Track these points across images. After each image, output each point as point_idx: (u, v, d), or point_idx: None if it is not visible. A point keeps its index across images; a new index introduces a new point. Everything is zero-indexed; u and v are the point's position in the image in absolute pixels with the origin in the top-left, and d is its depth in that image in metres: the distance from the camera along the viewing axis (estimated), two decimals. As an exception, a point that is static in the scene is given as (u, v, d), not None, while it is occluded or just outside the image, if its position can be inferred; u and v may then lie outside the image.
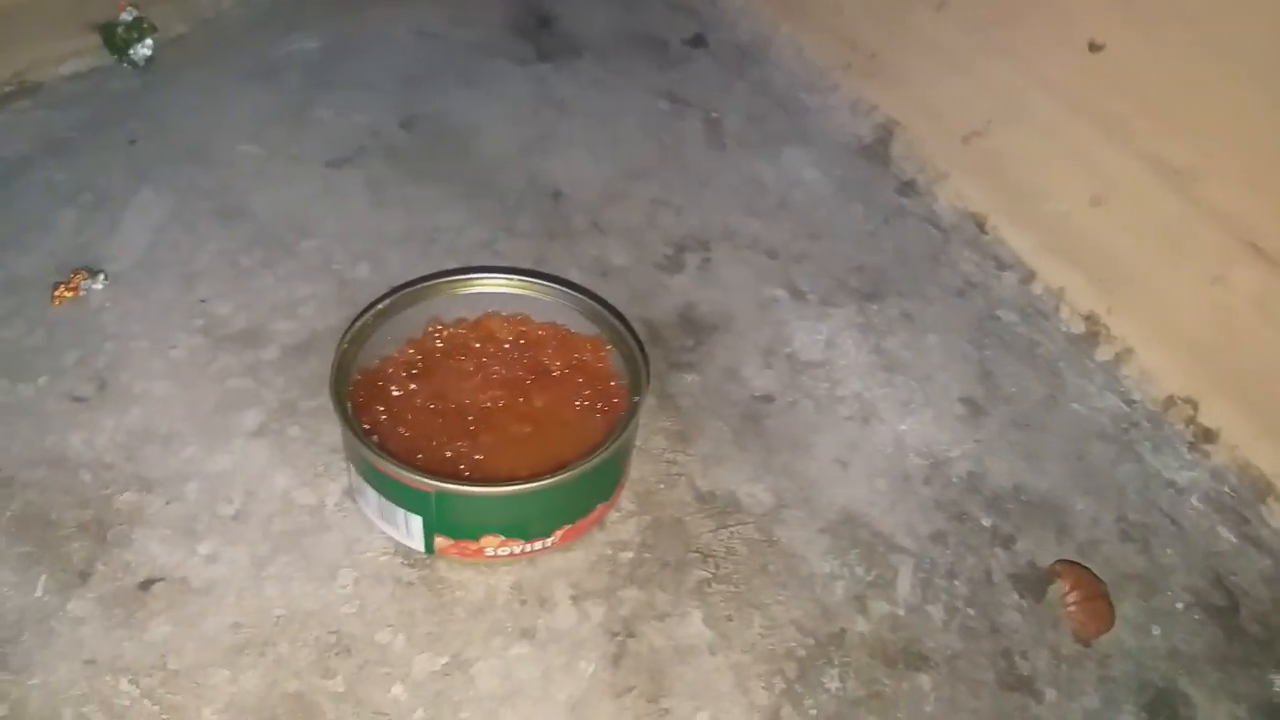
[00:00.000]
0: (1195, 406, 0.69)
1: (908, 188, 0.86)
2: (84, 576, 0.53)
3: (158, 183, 0.77)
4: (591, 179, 0.83)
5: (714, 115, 0.92)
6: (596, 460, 0.54)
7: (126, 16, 0.87)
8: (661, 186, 0.83)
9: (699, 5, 1.05)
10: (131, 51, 0.87)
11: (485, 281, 0.63)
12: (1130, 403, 0.71)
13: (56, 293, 0.67)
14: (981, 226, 0.82)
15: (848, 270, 0.78)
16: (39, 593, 0.52)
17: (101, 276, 0.68)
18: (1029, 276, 0.79)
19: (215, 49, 0.91)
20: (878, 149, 0.89)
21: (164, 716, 0.49)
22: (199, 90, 0.86)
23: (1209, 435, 0.68)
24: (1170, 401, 0.70)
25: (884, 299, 0.76)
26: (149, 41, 0.88)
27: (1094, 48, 0.73)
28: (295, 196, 0.77)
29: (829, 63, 0.95)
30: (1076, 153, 0.77)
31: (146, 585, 0.53)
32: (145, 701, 0.49)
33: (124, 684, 0.49)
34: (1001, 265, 0.80)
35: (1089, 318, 0.75)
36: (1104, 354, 0.74)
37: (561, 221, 0.79)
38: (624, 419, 0.57)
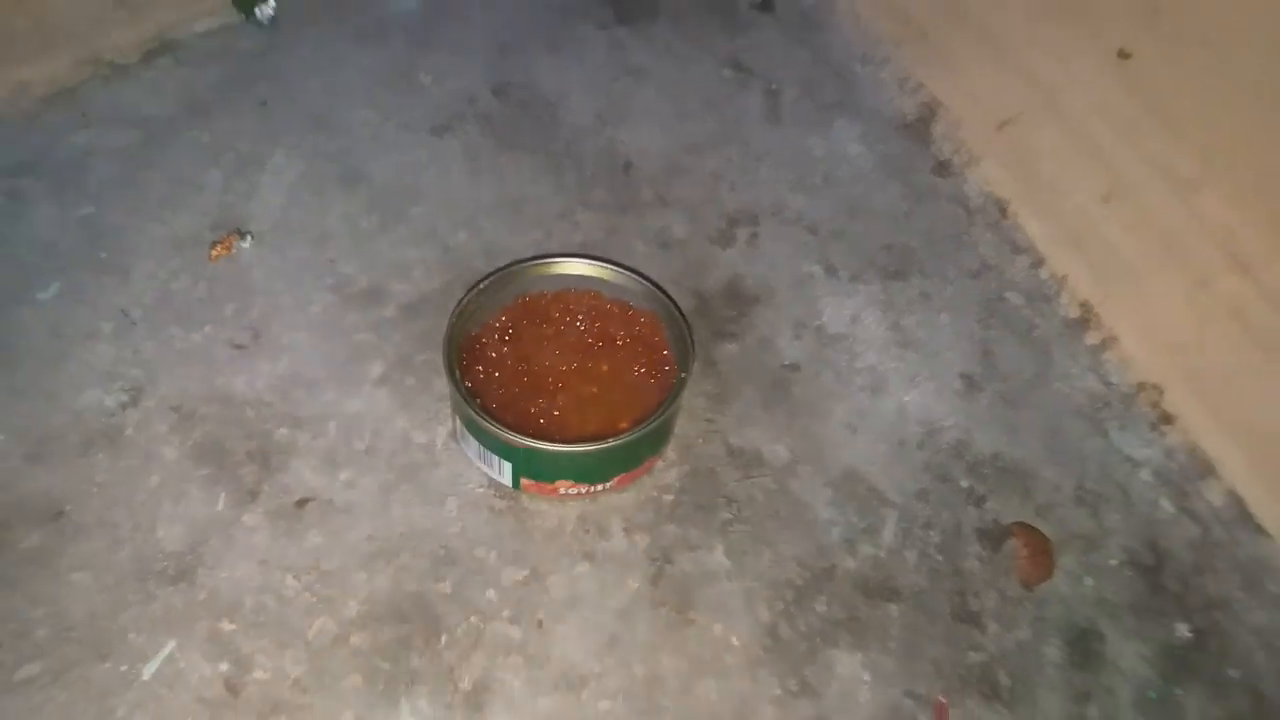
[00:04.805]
0: (1161, 393, 0.81)
1: (943, 168, 0.96)
2: (254, 495, 0.70)
3: (288, 147, 0.90)
4: (659, 151, 0.95)
5: (774, 86, 1.01)
6: (648, 428, 0.68)
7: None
8: (721, 161, 0.95)
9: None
10: (257, 11, 0.99)
11: (564, 265, 0.77)
12: (1107, 384, 0.83)
13: (214, 251, 0.82)
14: (1004, 211, 0.92)
15: (878, 249, 0.89)
16: (220, 507, 0.69)
17: (249, 237, 0.83)
18: (1039, 262, 0.89)
19: (329, 7, 1.03)
20: (919, 127, 0.99)
21: (319, 605, 0.66)
22: (318, 49, 0.99)
23: (1168, 419, 0.80)
24: (1141, 387, 0.82)
25: (907, 278, 0.88)
26: (272, 1, 0.99)
27: (1123, 55, 0.80)
28: (405, 164, 0.90)
29: (883, 34, 1.04)
30: (1095, 151, 0.85)
31: (302, 504, 0.70)
32: (306, 594, 0.66)
33: (289, 580, 0.67)
34: (1016, 249, 0.90)
35: (1084, 305, 0.86)
36: (1092, 339, 0.85)
37: (631, 194, 0.91)
38: (672, 393, 0.71)
